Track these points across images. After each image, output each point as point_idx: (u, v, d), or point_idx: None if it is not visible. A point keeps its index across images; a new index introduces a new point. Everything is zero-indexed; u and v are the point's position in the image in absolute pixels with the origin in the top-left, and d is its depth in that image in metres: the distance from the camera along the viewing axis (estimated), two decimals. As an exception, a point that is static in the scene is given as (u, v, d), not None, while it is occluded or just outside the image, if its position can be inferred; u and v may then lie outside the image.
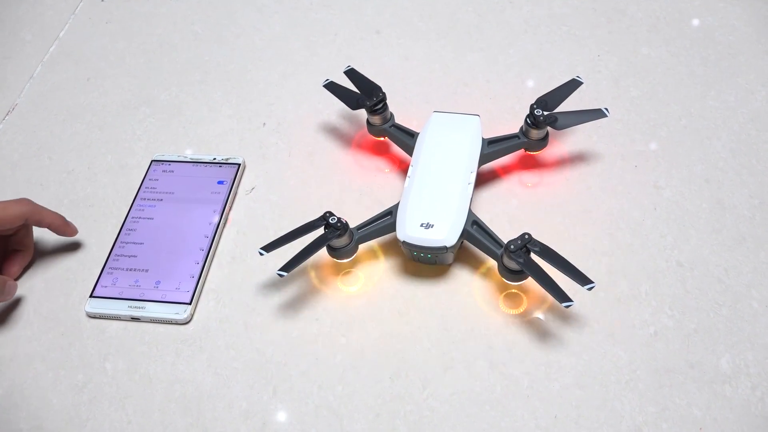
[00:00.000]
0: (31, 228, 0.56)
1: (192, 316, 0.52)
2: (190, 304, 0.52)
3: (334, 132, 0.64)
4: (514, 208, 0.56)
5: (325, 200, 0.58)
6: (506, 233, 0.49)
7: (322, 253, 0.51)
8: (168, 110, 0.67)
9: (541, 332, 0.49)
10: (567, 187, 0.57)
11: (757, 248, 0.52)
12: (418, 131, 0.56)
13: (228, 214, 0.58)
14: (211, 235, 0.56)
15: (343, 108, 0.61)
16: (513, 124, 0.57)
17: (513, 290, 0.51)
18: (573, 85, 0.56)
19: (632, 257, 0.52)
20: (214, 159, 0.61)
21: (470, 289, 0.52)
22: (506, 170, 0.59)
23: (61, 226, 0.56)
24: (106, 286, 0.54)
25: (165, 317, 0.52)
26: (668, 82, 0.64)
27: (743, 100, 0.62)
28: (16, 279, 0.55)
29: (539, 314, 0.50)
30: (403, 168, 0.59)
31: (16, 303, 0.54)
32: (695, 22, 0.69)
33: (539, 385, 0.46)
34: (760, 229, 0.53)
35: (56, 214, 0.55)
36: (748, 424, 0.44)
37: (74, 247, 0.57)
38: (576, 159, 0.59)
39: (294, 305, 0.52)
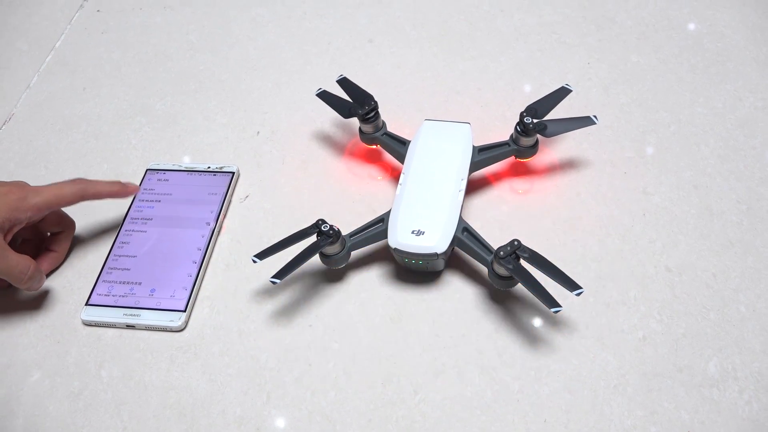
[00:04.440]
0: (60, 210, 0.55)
1: (186, 323, 0.52)
2: (184, 311, 0.52)
3: (327, 140, 0.64)
4: (504, 215, 0.57)
5: (318, 208, 0.59)
6: (497, 239, 0.50)
7: (315, 260, 0.51)
8: (163, 119, 0.68)
9: (530, 337, 0.49)
10: (557, 194, 0.58)
11: (745, 253, 0.52)
12: (409, 139, 0.57)
13: (222, 222, 0.59)
14: (205, 243, 0.56)
15: (336, 116, 0.62)
16: (503, 132, 0.58)
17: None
18: (562, 92, 0.57)
19: (621, 263, 0.53)
20: (209, 167, 0.62)
21: (461, 295, 0.52)
22: (497, 177, 0.59)
23: (121, 191, 0.56)
24: (101, 294, 0.54)
25: (160, 325, 0.52)
26: (657, 89, 0.65)
27: (731, 106, 0.63)
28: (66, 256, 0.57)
29: (529, 320, 0.50)
30: (396, 175, 0.60)
31: (13, 310, 0.54)
32: (684, 29, 0.70)
33: (529, 390, 0.47)
34: (748, 235, 0.53)
35: (111, 182, 0.55)
36: (736, 427, 0.44)
37: (70, 255, 0.58)
38: (566, 166, 0.60)
39: (287, 312, 0.53)
